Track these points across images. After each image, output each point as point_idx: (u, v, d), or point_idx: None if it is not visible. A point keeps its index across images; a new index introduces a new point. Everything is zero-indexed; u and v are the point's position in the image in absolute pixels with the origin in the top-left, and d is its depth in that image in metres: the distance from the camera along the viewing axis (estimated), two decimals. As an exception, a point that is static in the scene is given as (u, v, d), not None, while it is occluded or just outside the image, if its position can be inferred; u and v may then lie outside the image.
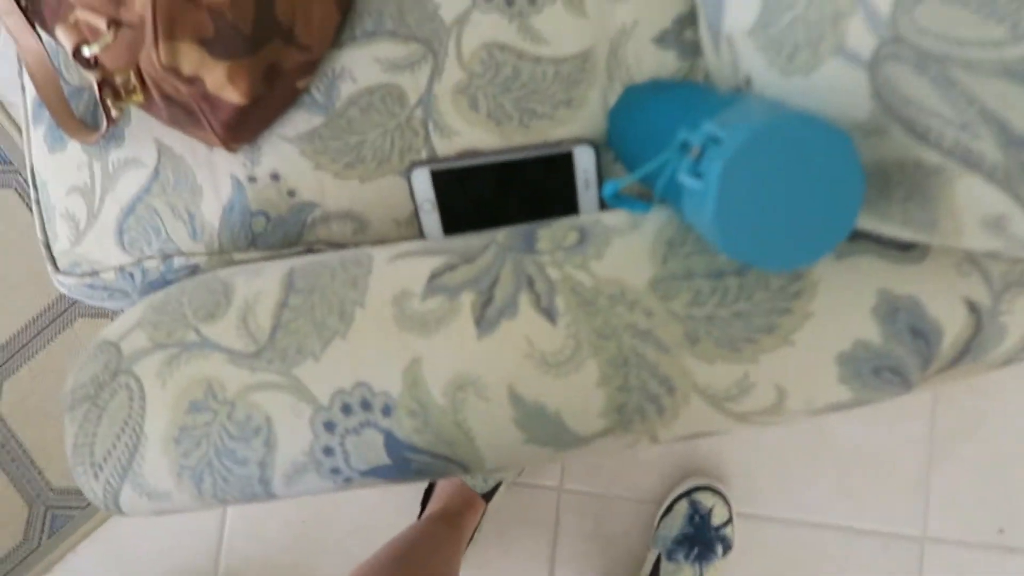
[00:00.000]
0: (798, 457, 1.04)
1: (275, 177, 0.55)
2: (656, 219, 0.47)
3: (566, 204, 0.60)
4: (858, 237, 0.44)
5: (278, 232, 0.55)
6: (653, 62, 0.58)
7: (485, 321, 0.41)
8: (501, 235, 0.48)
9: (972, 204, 0.35)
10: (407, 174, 0.56)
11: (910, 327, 0.43)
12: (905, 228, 0.40)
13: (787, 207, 0.35)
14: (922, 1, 0.32)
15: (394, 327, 0.40)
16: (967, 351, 0.44)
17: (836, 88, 0.39)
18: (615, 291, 0.44)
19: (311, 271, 0.44)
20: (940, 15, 0.31)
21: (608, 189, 0.40)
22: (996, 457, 1.00)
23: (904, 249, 0.44)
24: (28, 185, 1.20)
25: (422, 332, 0.40)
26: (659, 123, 0.46)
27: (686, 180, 0.36)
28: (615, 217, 0.49)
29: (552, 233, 0.48)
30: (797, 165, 0.34)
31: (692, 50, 0.57)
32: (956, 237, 0.38)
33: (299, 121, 0.55)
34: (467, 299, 0.41)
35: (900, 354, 0.43)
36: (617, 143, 0.56)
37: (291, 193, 0.55)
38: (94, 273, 0.53)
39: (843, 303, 0.43)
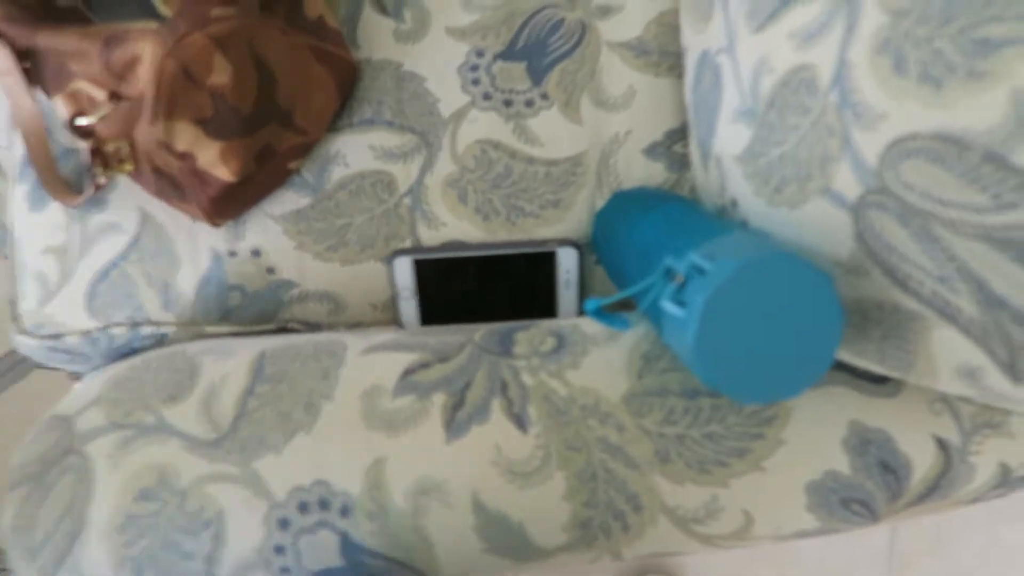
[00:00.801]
0: (760, 563, 1.02)
1: (256, 253, 0.54)
2: (635, 331, 0.47)
3: (546, 302, 0.60)
4: (834, 367, 0.45)
5: (253, 308, 0.55)
6: (642, 172, 0.59)
7: (455, 424, 0.40)
8: (479, 334, 0.47)
9: (947, 353, 0.35)
10: (389, 260, 0.56)
11: (880, 461, 0.43)
12: (881, 365, 0.41)
13: (766, 342, 0.35)
14: (908, 158, 0.32)
15: (361, 424, 0.39)
16: (936, 488, 0.43)
17: (820, 225, 0.39)
18: (589, 402, 0.44)
19: (282, 357, 0.43)
20: (925, 174, 0.32)
21: (590, 305, 0.40)
22: (954, 571, 1.00)
23: (878, 382, 0.44)
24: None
25: (389, 431, 0.39)
26: (643, 238, 0.47)
27: (669, 307, 0.36)
28: (594, 325, 0.49)
29: (530, 337, 0.48)
30: (779, 302, 0.34)
31: (681, 164, 0.59)
32: (930, 380, 0.38)
33: (287, 200, 0.55)
34: (438, 400, 0.41)
35: (869, 487, 0.43)
36: (600, 247, 0.57)
37: (270, 270, 0.55)
38: (58, 336, 0.52)
39: (815, 432, 0.43)
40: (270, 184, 0.53)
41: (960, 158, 0.30)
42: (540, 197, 0.58)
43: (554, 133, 0.58)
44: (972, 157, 0.30)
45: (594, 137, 0.58)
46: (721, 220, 0.45)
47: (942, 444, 0.43)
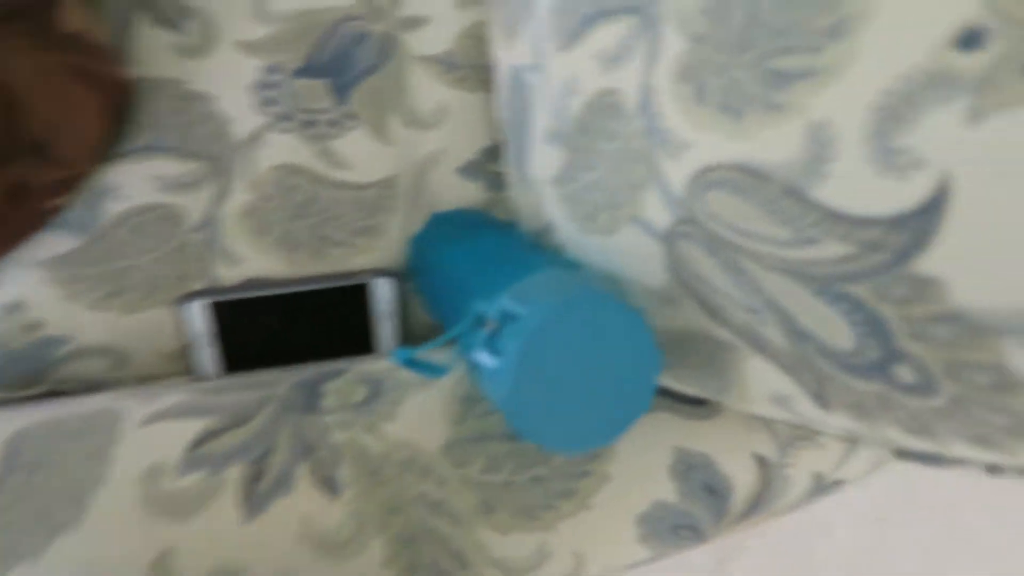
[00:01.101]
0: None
1: (14, 308, 0.47)
2: (453, 373, 0.44)
3: (363, 337, 0.56)
4: (656, 392, 0.44)
5: (14, 370, 0.47)
6: (457, 192, 0.56)
7: (255, 499, 0.35)
8: (282, 387, 0.43)
9: (760, 381, 0.35)
10: (180, 305, 0.50)
11: (704, 484, 0.42)
12: (700, 391, 0.40)
13: (585, 387, 0.33)
14: (712, 188, 0.32)
15: (142, 512, 0.34)
16: (756, 504, 0.44)
17: (633, 254, 0.38)
18: (406, 457, 0.40)
19: (42, 437, 0.36)
20: (729, 205, 0.31)
21: (400, 356, 0.37)
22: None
23: (697, 404, 0.44)
24: None
25: (177, 517, 0.34)
26: (455, 271, 0.44)
27: (481, 357, 0.33)
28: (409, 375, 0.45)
29: (340, 387, 0.43)
30: (594, 344, 0.33)
31: (498, 183, 0.57)
32: (746, 406, 0.38)
33: (51, 244, 0.48)
34: (234, 473, 0.36)
35: (695, 511, 0.43)
36: (417, 275, 0.53)
37: (34, 326, 0.47)
38: None
39: (641, 463, 0.42)
40: (27, 227, 0.46)
41: (761, 190, 0.29)
42: (350, 225, 0.54)
43: (362, 155, 0.54)
44: (772, 190, 0.29)
45: (406, 158, 0.55)
46: (535, 251, 0.43)
47: (760, 461, 0.43)
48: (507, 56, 0.50)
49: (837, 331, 0.28)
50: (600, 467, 0.41)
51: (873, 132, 0.25)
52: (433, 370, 0.39)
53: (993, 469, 0.28)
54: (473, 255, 0.45)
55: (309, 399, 0.41)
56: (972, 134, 0.22)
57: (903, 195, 0.24)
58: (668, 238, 0.35)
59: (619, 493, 0.42)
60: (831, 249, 0.27)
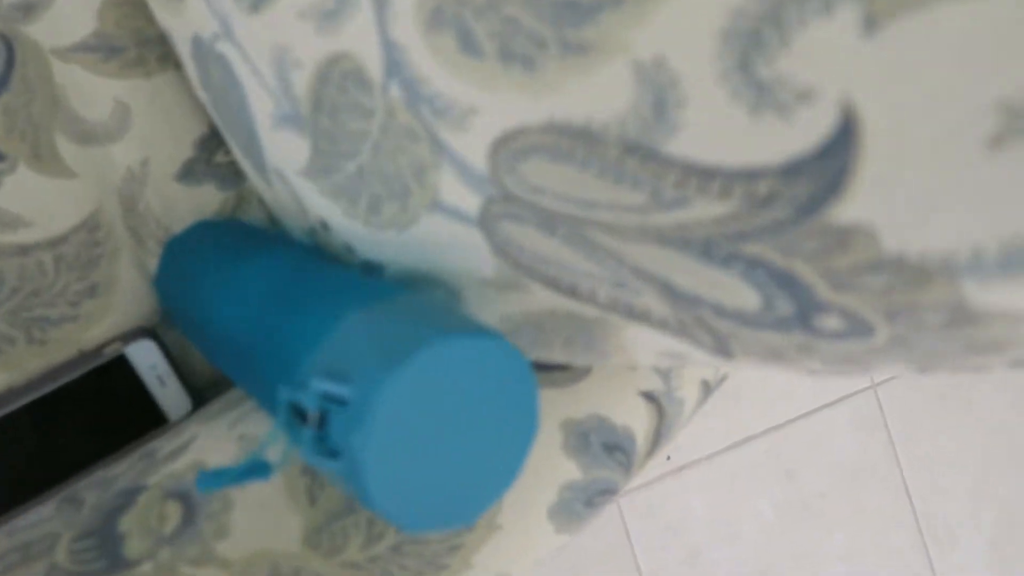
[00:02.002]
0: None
1: None
2: (278, 449, 0.35)
3: (146, 412, 0.44)
4: (516, 369, 0.38)
5: None
6: (189, 203, 0.44)
7: None
8: (62, 546, 0.32)
9: (645, 345, 0.30)
10: None
11: (604, 445, 0.38)
12: (572, 362, 0.34)
13: (458, 451, 0.26)
14: (526, 158, 0.24)
15: None
16: (658, 437, 0.40)
17: (446, 244, 0.30)
18: (266, 569, 0.32)
19: None
20: (555, 175, 0.24)
21: (203, 482, 0.28)
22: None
23: (564, 368, 0.38)
24: None
25: None
26: (231, 310, 0.34)
27: (316, 461, 0.25)
28: (222, 454, 0.36)
29: (140, 519, 0.33)
30: (456, 398, 0.25)
31: (234, 175, 0.45)
32: (632, 363, 0.33)
33: None
34: None
35: (604, 476, 0.38)
36: (178, 318, 0.42)
37: None
38: None
39: (534, 458, 0.36)
40: None
41: (593, 153, 0.22)
42: (64, 293, 0.41)
43: (37, 201, 0.40)
44: (608, 151, 0.22)
45: (99, 184, 0.42)
46: (322, 265, 0.33)
47: (649, 396, 0.39)
48: (179, 24, 0.37)
49: (736, 292, 0.23)
50: (491, 483, 0.35)
51: (731, 64, 0.18)
52: (256, 472, 0.30)
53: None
54: (245, 288, 0.35)
55: (109, 552, 0.31)
56: (870, 47, 0.16)
57: (794, 136, 0.18)
58: (485, 222, 0.28)
59: (523, 495, 0.36)
60: (707, 209, 0.21)
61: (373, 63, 0.27)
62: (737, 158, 0.19)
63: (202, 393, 0.47)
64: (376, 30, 0.26)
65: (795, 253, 0.20)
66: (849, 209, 0.18)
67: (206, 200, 0.44)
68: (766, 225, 0.20)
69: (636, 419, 0.38)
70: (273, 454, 0.34)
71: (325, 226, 0.37)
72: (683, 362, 0.30)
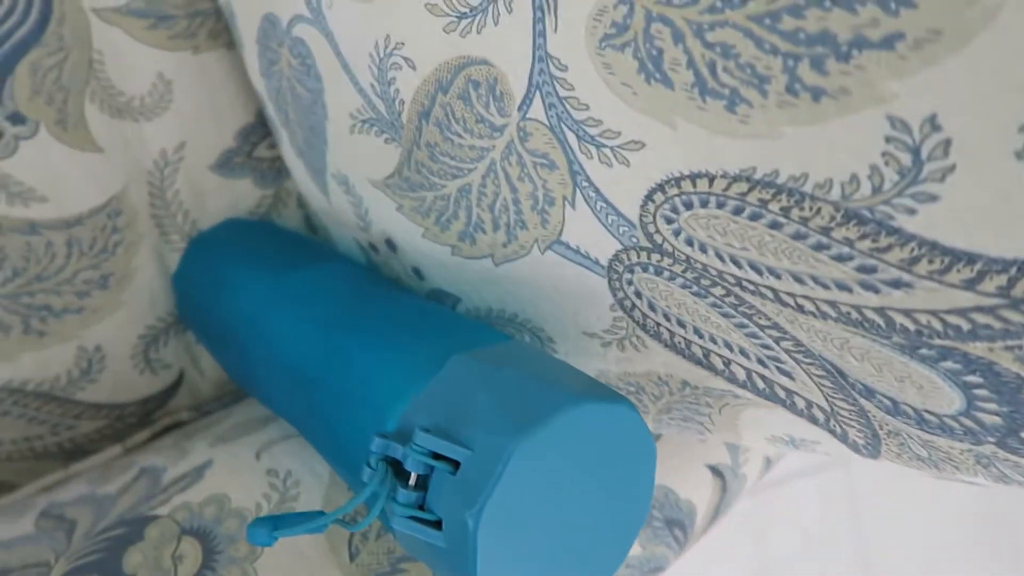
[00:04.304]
0: None
1: None
2: (317, 486, 0.31)
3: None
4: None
5: None
6: (222, 197, 0.40)
7: None
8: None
9: (765, 426, 0.26)
10: None
11: (666, 521, 0.34)
12: (658, 429, 0.31)
13: (569, 528, 0.22)
14: (698, 209, 0.21)
15: None
16: (717, 513, 0.37)
17: (553, 287, 0.27)
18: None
19: None
20: (731, 232, 0.20)
21: (256, 536, 0.23)
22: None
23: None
24: None
25: None
26: (268, 328, 0.30)
27: (409, 528, 0.21)
28: (245, 492, 0.31)
29: (152, 558, 0.29)
30: (577, 470, 0.21)
31: (275, 172, 0.41)
32: (731, 438, 0.29)
33: None
34: None
35: (660, 552, 0.35)
36: (195, 323, 0.38)
37: None
38: None
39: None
40: None
41: (798, 214, 0.19)
42: (72, 281, 0.37)
43: (55, 175, 0.36)
44: (821, 214, 0.19)
45: (127, 163, 0.37)
46: (396, 299, 0.29)
47: (716, 471, 0.35)
48: (249, 0, 0.33)
49: (930, 392, 0.20)
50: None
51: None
52: (314, 525, 0.26)
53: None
54: (296, 302, 0.31)
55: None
56: None
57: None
58: (615, 271, 0.24)
59: None
60: (936, 298, 0.18)
61: (516, 75, 0.23)
62: (1006, 244, 0.16)
63: (205, 404, 0.42)
64: (530, 38, 0.22)
65: (1035, 359, 0.17)
66: None
67: (241, 195, 0.40)
68: (1018, 324, 0.17)
69: (700, 494, 0.35)
70: (356, 513, 0.30)
71: (392, 245, 0.33)
72: (798, 449, 0.27)
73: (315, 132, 0.34)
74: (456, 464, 0.21)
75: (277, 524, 0.22)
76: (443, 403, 0.22)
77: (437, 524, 0.21)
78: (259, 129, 0.40)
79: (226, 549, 0.29)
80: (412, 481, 0.21)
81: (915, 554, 1.09)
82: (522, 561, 0.21)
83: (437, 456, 0.21)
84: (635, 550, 0.33)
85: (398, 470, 0.22)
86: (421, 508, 0.21)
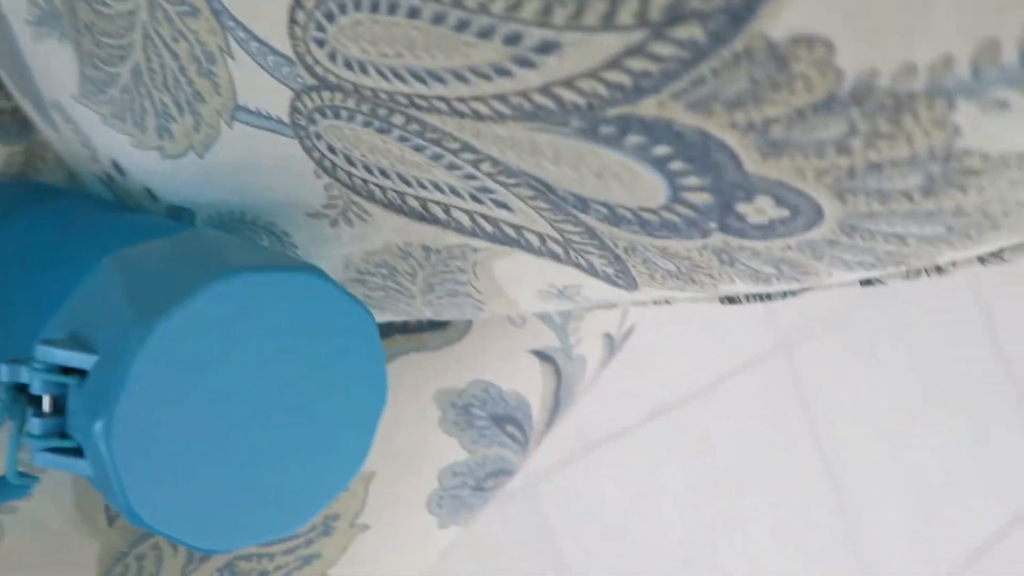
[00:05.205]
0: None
1: None
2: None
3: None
4: (380, 334, 0.31)
5: None
6: (-42, 161, 0.35)
7: None
8: None
9: (524, 279, 0.23)
10: None
11: (492, 417, 0.31)
12: (440, 314, 0.28)
13: (260, 436, 0.18)
14: (340, 15, 0.17)
15: None
16: (558, 403, 0.34)
17: (259, 167, 0.23)
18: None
19: None
20: (379, 36, 0.17)
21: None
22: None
23: (437, 327, 0.31)
24: None
25: None
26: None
27: (52, 462, 0.17)
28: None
29: None
30: (249, 365, 0.18)
31: (19, 124, 0.36)
32: (514, 309, 0.26)
33: None
34: None
35: (494, 454, 0.32)
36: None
37: None
38: None
39: (404, 439, 0.30)
40: None
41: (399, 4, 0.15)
42: None
43: None
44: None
45: None
46: (87, 222, 0.25)
47: (544, 356, 0.32)
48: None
49: (633, 183, 0.17)
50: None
51: None
52: (12, 492, 0.22)
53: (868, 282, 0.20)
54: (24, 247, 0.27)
55: None
56: None
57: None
58: (299, 125, 0.21)
59: (392, 489, 0.29)
60: (587, 52, 0.15)
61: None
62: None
63: None
64: None
65: (712, 104, 0.14)
66: (791, 15, 0.12)
67: (-16, 155, 0.35)
68: (672, 58, 0.14)
69: (529, 383, 0.32)
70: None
71: (119, 168, 0.29)
72: (576, 302, 0.24)
73: (15, 56, 0.29)
74: (86, 375, 0.17)
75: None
76: (80, 311, 0.18)
77: (79, 451, 0.17)
78: (-14, 76, 0.35)
79: (-36, 538, 0.25)
80: (47, 406, 0.17)
81: (869, 428, 1.09)
82: (202, 481, 0.17)
83: (67, 371, 0.17)
84: (459, 455, 0.30)
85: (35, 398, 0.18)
86: (64, 436, 0.17)
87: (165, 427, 0.17)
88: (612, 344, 0.35)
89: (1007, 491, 1.16)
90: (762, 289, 0.20)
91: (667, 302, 0.24)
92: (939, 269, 0.18)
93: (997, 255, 0.17)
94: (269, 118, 0.21)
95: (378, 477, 0.29)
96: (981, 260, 0.18)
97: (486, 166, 0.19)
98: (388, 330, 0.31)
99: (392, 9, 0.16)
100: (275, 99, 0.20)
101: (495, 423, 0.31)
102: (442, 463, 0.30)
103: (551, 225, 0.20)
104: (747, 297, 0.22)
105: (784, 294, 0.21)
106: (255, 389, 0.18)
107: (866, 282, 0.20)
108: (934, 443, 1.11)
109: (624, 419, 0.95)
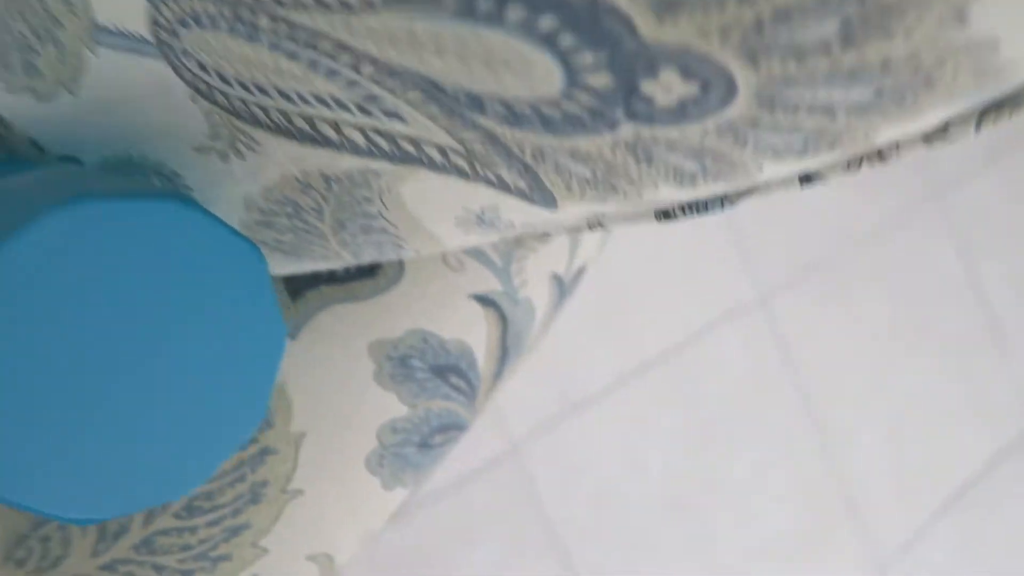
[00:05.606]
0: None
1: None
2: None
3: None
4: (307, 282, 0.29)
5: None
6: None
7: None
8: None
9: (435, 204, 0.21)
10: None
11: (433, 369, 0.29)
12: (359, 257, 0.26)
13: (129, 390, 0.16)
14: None
15: None
16: (506, 351, 0.32)
17: (133, 99, 0.21)
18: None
19: None
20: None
21: None
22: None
23: (367, 274, 0.29)
24: None
25: None
26: None
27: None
28: None
29: None
30: (108, 312, 0.16)
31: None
32: (433, 248, 0.24)
33: None
34: None
35: (439, 408, 0.30)
36: None
37: None
38: None
39: (336, 396, 0.28)
40: None
41: None
42: None
43: None
44: None
45: None
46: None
47: (486, 300, 0.30)
48: None
49: (525, 71, 0.15)
50: (281, 433, 0.26)
51: None
52: None
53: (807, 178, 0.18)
54: None
55: None
56: None
57: None
58: (163, 41, 0.18)
59: (325, 449, 0.27)
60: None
61: None
62: None
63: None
64: None
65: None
66: None
67: None
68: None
69: (472, 331, 0.30)
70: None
71: (3, 122, 0.26)
72: (499, 229, 0.22)
73: None
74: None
75: None
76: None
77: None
78: None
79: None
80: None
81: (851, 371, 1.08)
82: (67, 438, 0.15)
83: None
84: (399, 410, 0.28)
85: None
86: None
87: (14, 378, 0.15)
88: (562, 286, 0.33)
89: (990, 427, 1.16)
90: (691, 194, 0.18)
91: (600, 225, 0.22)
92: (881, 155, 0.16)
93: (942, 132, 0.15)
94: (132, 37, 0.19)
95: (309, 438, 0.27)
96: (927, 140, 0.16)
97: (367, 69, 0.16)
98: (313, 281, 0.29)
99: None
100: (134, 12, 0.18)
101: (436, 374, 0.29)
102: (380, 420, 0.28)
103: (449, 134, 0.17)
104: (681, 209, 0.20)
105: (720, 202, 0.19)
106: (122, 335, 0.16)
107: (805, 179, 0.18)
108: (916, 382, 1.10)
109: (606, 378, 0.94)
